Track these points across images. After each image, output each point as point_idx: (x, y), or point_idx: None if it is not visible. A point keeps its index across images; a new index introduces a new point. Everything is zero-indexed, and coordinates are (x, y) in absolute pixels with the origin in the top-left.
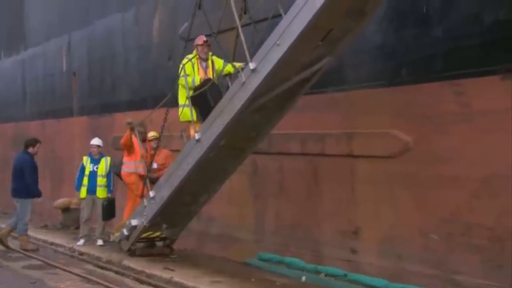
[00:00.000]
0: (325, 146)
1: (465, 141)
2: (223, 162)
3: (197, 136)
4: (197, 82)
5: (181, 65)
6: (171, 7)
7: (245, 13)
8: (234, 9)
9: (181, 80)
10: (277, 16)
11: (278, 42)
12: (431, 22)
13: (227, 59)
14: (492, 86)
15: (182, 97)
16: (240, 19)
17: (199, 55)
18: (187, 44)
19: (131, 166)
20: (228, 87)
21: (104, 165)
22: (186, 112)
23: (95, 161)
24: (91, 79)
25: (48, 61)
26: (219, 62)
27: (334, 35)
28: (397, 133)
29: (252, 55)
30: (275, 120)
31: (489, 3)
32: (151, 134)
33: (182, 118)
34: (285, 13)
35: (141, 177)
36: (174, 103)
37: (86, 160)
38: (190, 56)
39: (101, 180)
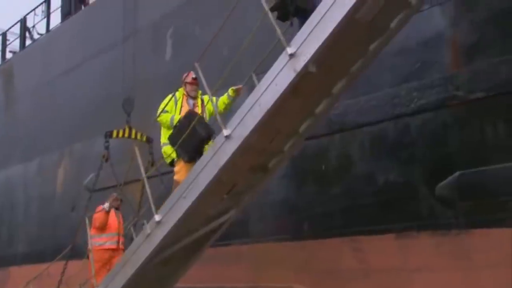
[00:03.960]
0: None
1: None
2: None
3: None
4: (176, 120)
5: (163, 102)
6: (77, 158)
7: (152, 165)
8: (140, 161)
9: (160, 118)
10: None
11: (184, 195)
12: (330, 180)
13: None
14: (387, 244)
15: (164, 135)
16: (146, 171)
17: (187, 93)
18: (92, 195)
19: (102, 238)
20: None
21: None
22: (166, 150)
23: None
24: None
25: None
26: (210, 105)
27: (238, 189)
28: (300, 287)
29: (158, 207)
30: (181, 272)
31: (382, 165)
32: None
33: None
34: None
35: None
36: (74, 255)
37: None
38: (177, 93)
39: None
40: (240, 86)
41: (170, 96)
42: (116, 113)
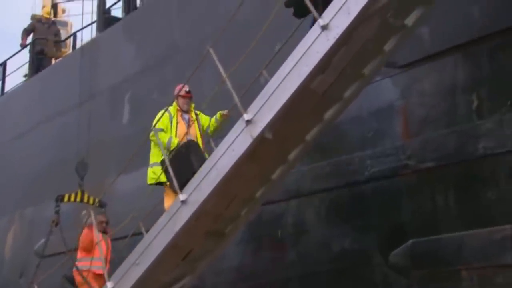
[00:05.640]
0: None
1: None
2: None
3: None
4: (174, 144)
5: (156, 117)
6: (27, 223)
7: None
8: (95, 224)
9: (153, 136)
10: (138, 234)
11: (137, 261)
12: (286, 246)
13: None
14: None
15: (155, 155)
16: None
17: (180, 107)
18: (41, 262)
19: (88, 262)
20: None
21: None
22: (156, 171)
23: None
24: None
25: None
26: (204, 118)
27: (194, 255)
28: None
29: (110, 274)
30: None
31: (337, 231)
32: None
33: (149, 181)
34: (146, 232)
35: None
36: None
37: None
38: (170, 107)
39: None
40: (226, 111)
41: (162, 111)
42: (70, 177)
